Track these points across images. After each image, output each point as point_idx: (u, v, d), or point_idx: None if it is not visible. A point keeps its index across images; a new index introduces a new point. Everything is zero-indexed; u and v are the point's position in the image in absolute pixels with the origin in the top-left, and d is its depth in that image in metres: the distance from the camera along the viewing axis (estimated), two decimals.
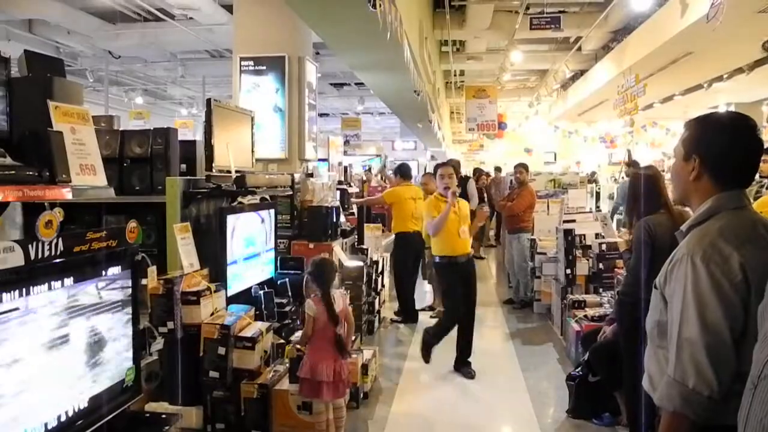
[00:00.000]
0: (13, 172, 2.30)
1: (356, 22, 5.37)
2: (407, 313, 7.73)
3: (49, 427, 2.23)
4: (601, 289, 6.60)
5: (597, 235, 7.23)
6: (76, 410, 2.37)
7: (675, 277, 1.77)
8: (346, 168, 9.69)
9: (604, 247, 6.79)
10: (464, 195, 8.13)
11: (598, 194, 16.87)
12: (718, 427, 1.64)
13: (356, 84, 18.43)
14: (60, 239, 2.28)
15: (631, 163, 13.88)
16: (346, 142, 20.29)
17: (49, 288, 2.23)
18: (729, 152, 1.82)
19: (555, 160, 26.02)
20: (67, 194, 2.47)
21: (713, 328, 1.66)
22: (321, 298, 3.97)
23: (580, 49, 13.55)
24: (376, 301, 7.24)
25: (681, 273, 1.74)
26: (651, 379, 1.89)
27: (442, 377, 5.64)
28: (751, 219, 1.82)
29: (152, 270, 3.63)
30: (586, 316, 5.78)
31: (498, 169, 17.16)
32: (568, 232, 6.99)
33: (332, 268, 4.14)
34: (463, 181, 9.32)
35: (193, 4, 9.66)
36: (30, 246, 2.16)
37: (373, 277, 7.19)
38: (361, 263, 6.74)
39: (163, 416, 3.03)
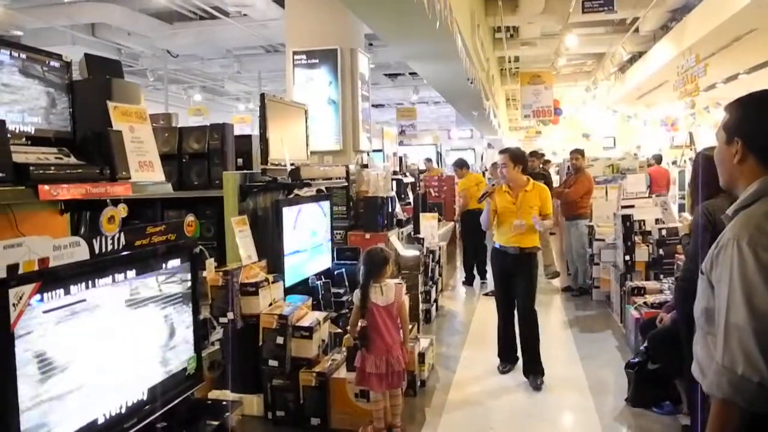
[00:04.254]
0: (77, 170, 2.41)
1: (405, 12, 5.38)
2: (467, 279, 9.45)
3: (116, 413, 2.33)
4: (661, 276, 6.47)
5: (657, 221, 7.08)
6: (141, 397, 2.47)
7: (721, 261, 1.72)
8: (401, 158, 9.70)
9: (664, 232, 6.66)
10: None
11: None
12: None
13: (410, 74, 18.38)
14: (122, 234, 2.38)
15: (655, 158, 13.45)
16: (402, 132, 20.29)
17: (113, 281, 2.33)
18: None
19: (614, 144, 25.43)
20: (127, 190, 2.57)
21: (762, 313, 1.62)
22: (361, 288, 4.03)
23: (637, 30, 13.20)
24: (433, 290, 7.26)
25: (727, 258, 1.70)
26: (700, 366, 1.86)
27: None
28: None
29: (210, 262, 3.73)
30: (645, 303, 5.67)
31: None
32: (626, 218, 6.87)
33: (378, 260, 4.10)
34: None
35: (246, 0, 9.82)
36: (94, 240, 2.26)
37: (430, 267, 7.22)
38: (417, 252, 6.77)
39: (224, 403, 3.12)
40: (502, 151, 5.59)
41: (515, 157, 5.36)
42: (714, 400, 1.72)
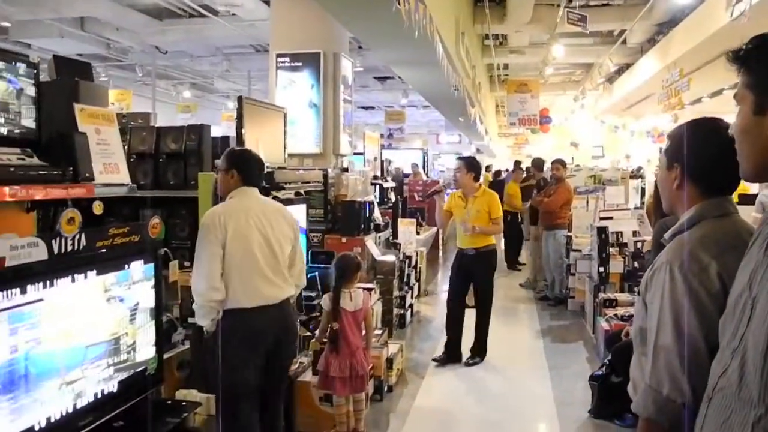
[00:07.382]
0: (38, 172, 2.44)
1: (382, 19, 5.40)
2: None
3: (71, 411, 2.35)
4: (635, 288, 6.54)
5: (634, 233, 7.16)
6: (99, 396, 2.50)
7: (654, 284, 1.77)
8: (383, 162, 9.72)
9: (639, 245, 6.74)
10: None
11: (643, 190, 16.51)
12: None
13: (399, 77, 18.40)
14: (83, 234, 2.41)
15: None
16: (390, 135, 20.33)
17: (72, 281, 2.36)
18: (707, 159, 1.81)
19: (603, 154, 25.58)
20: (89, 192, 2.61)
21: (688, 337, 1.66)
22: (333, 292, 4.09)
23: (625, 42, 13.31)
24: (408, 295, 7.31)
25: (660, 280, 1.74)
26: (634, 385, 1.91)
27: (469, 373, 5.69)
28: (735, 227, 1.80)
29: (174, 264, 3.79)
30: (616, 315, 5.73)
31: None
32: (601, 230, 6.94)
33: (349, 266, 4.20)
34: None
35: (235, 0, 9.82)
36: (53, 241, 2.29)
37: (406, 272, 7.27)
38: (393, 258, 6.82)
39: (184, 404, 3.16)
40: (459, 158, 6.27)
41: (470, 165, 5.97)
42: (640, 419, 1.76)
